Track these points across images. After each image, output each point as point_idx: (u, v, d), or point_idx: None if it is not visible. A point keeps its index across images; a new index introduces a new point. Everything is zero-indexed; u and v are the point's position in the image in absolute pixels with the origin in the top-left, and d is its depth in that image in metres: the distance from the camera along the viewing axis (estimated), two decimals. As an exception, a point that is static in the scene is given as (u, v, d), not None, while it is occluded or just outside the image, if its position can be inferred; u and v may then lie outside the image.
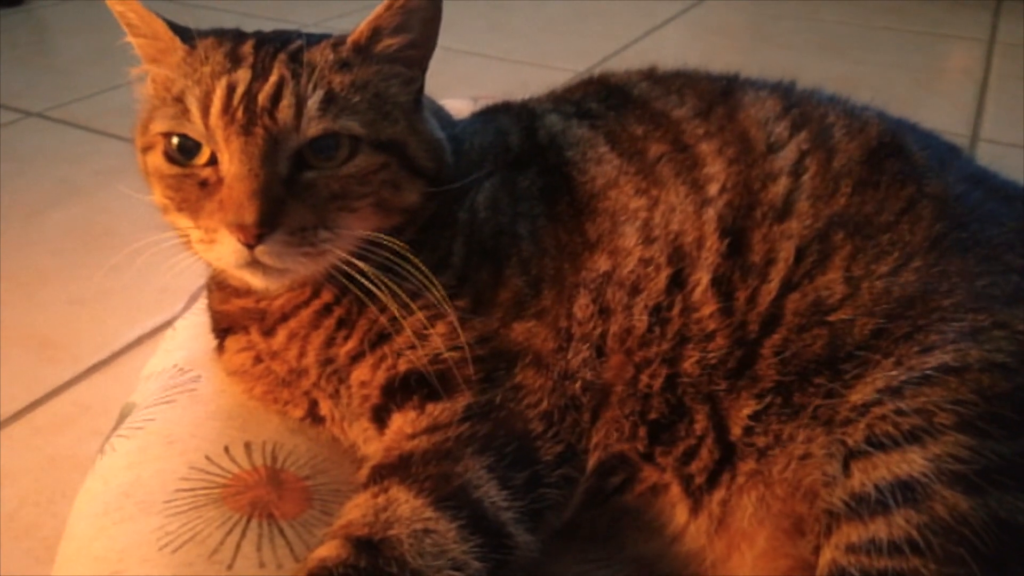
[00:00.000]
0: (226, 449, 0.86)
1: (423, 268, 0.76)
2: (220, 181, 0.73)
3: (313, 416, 0.89)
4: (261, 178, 0.71)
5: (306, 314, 0.83)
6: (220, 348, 0.93)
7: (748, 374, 0.76)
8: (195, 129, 0.74)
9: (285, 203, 0.72)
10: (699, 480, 0.77)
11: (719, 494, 0.76)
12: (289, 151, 0.74)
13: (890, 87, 2.41)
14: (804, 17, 3.15)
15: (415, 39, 0.79)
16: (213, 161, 0.75)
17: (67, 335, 1.45)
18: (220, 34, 0.81)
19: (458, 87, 1.98)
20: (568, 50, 2.77)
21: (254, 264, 0.73)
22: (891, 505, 0.64)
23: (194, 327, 1.07)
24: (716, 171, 0.84)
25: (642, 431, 0.78)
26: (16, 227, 1.76)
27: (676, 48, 2.89)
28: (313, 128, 0.74)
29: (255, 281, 0.78)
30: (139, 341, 1.43)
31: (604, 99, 0.94)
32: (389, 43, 0.79)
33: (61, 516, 1.11)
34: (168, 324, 1.46)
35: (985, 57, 2.71)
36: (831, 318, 0.75)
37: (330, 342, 0.83)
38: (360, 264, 0.75)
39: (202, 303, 1.10)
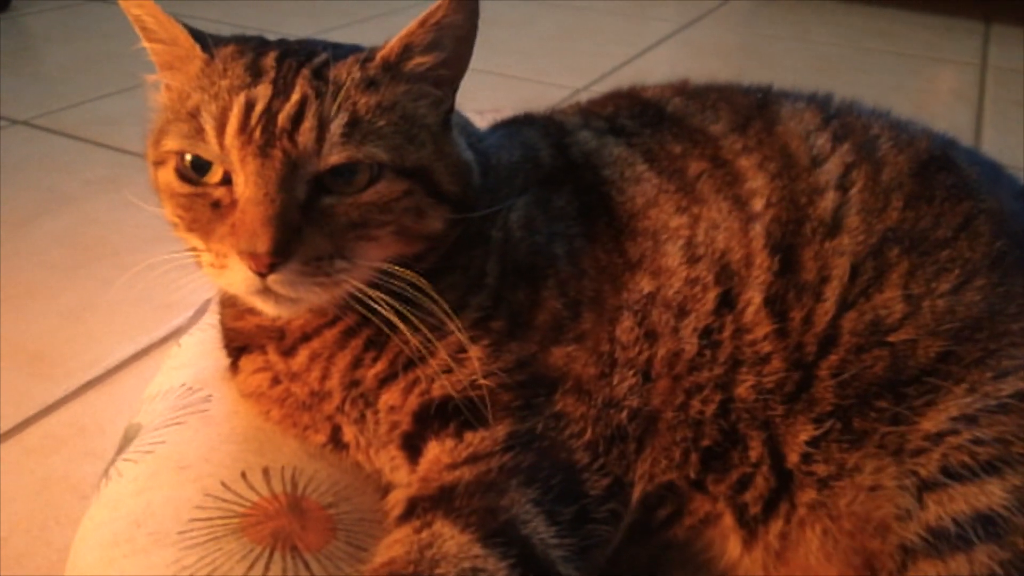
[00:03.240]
0: (243, 475, 0.81)
1: (441, 302, 0.72)
2: (234, 203, 0.69)
3: (336, 442, 0.84)
4: (277, 204, 0.66)
5: (331, 334, 0.79)
6: (234, 368, 0.88)
7: (804, 397, 0.73)
8: (209, 150, 0.70)
9: (301, 231, 0.67)
10: (754, 510, 0.73)
11: (776, 525, 0.73)
12: (307, 176, 0.69)
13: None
14: (797, 38, 3.18)
15: (448, 58, 0.75)
16: (228, 180, 0.70)
17: (59, 350, 1.39)
18: (241, 42, 0.77)
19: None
20: (563, 67, 2.76)
21: (266, 292, 0.69)
22: (973, 540, 0.61)
23: (202, 343, 1.03)
24: (759, 186, 0.81)
25: (694, 457, 0.75)
26: (3, 237, 1.70)
27: (670, 67, 2.89)
28: (335, 156, 0.69)
29: (266, 308, 0.73)
30: (136, 357, 1.37)
31: (638, 116, 0.91)
32: (421, 61, 0.74)
33: (55, 544, 1.06)
34: (166, 340, 1.42)
35: (979, 81, 2.73)
36: (891, 338, 0.73)
37: (357, 363, 0.78)
38: (375, 293, 0.71)
39: (210, 318, 1.06)
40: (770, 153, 0.83)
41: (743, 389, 0.74)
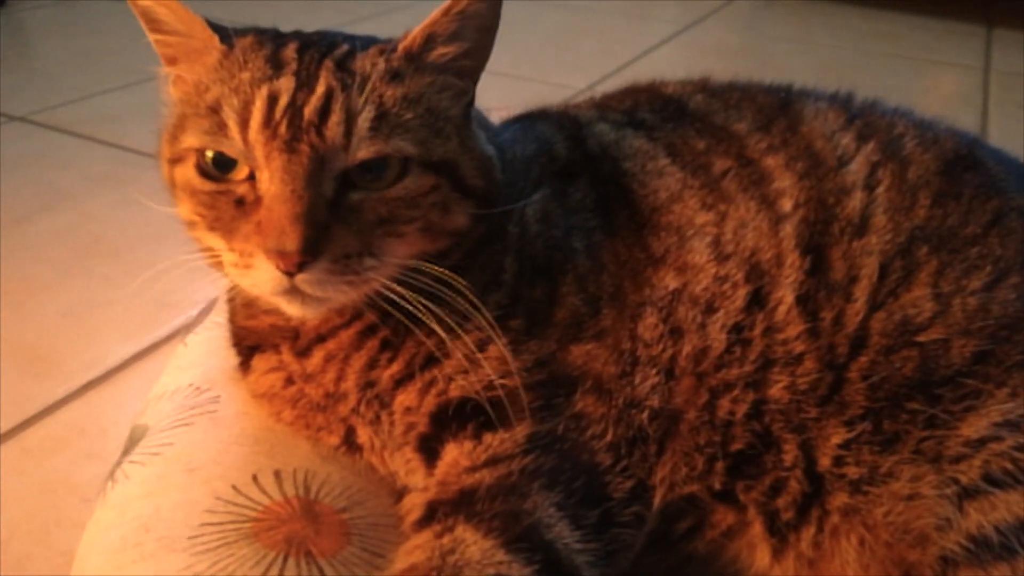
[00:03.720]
0: (254, 478, 0.79)
1: (470, 296, 0.70)
2: (258, 200, 0.67)
3: (349, 444, 0.82)
4: (305, 201, 0.64)
5: (346, 335, 0.77)
6: (245, 367, 0.86)
7: (836, 399, 0.72)
8: (232, 146, 0.67)
9: (329, 228, 0.65)
10: (786, 515, 0.72)
11: (809, 532, 0.71)
12: (335, 171, 0.67)
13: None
14: (799, 40, 3.17)
15: (470, 48, 0.73)
16: (252, 176, 0.68)
17: (58, 350, 1.36)
18: (259, 33, 0.75)
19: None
20: (566, 67, 2.74)
21: (292, 292, 0.67)
22: (1016, 549, 0.60)
23: (209, 342, 1.00)
24: (786, 186, 0.80)
25: (720, 465, 0.73)
26: (2, 235, 1.67)
27: (673, 68, 2.86)
28: (364, 150, 0.67)
29: (291, 309, 0.71)
30: (138, 357, 1.35)
31: (659, 110, 0.90)
32: (444, 52, 0.72)
33: (56, 547, 1.03)
34: (169, 339, 1.40)
35: (982, 85, 2.73)
36: (921, 338, 0.72)
37: (372, 364, 0.76)
38: (401, 290, 0.69)
39: (217, 316, 1.04)
40: (796, 153, 0.82)
41: (777, 390, 0.73)
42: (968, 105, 2.53)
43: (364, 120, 0.67)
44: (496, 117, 1.01)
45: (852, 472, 0.71)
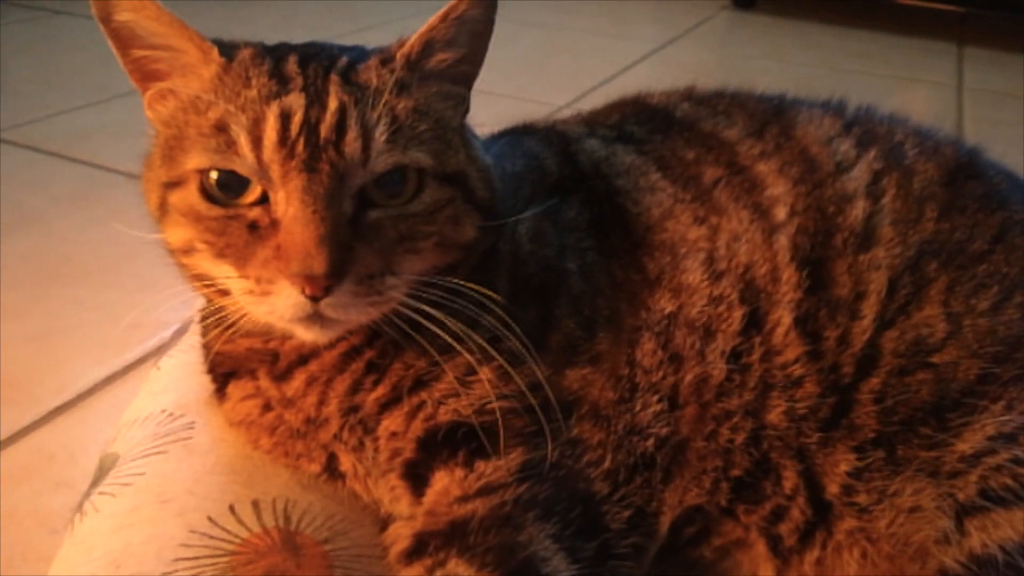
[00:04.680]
0: (231, 508, 0.75)
1: (498, 312, 0.68)
2: (273, 224, 0.63)
3: (331, 471, 0.78)
4: (328, 221, 0.61)
5: (330, 356, 0.74)
6: (221, 395, 0.82)
7: (844, 424, 0.70)
8: (244, 164, 0.64)
9: (352, 248, 0.63)
10: (789, 541, 0.70)
11: (813, 554, 0.69)
12: (354, 188, 0.65)
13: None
14: (774, 58, 3.20)
15: (466, 54, 0.72)
16: (262, 199, 0.65)
17: (25, 374, 1.31)
18: (253, 46, 0.71)
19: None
20: (544, 85, 2.74)
21: (313, 317, 0.64)
22: None
23: (183, 366, 0.96)
24: (780, 192, 0.77)
25: (724, 486, 0.71)
26: (-34, 255, 1.62)
27: (651, 85, 2.88)
28: (382, 163, 0.65)
29: (308, 335, 0.68)
30: (108, 381, 1.30)
31: (646, 122, 0.88)
32: (443, 58, 0.71)
33: (22, 583, 0.99)
34: (141, 362, 1.35)
35: (956, 102, 2.76)
36: (935, 359, 0.70)
37: (356, 387, 0.73)
38: (422, 307, 0.67)
39: (191, 339, 1.00)
40: (790, 158, 0.80)
41: (774, 415, 0.70)
42: (943, 122, 2.55)
43: (380, 134, 0.65)
44: (480, 134, 0.99)
45: (863, 499, 0.69)
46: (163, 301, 0.74)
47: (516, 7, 3.59)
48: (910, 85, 2.99)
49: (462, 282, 0.68)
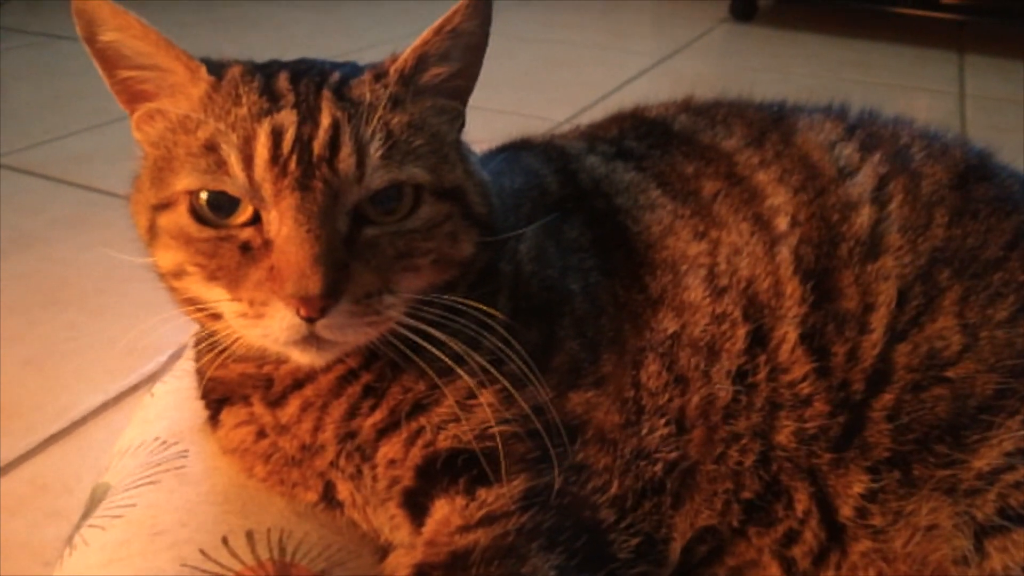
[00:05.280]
0: (224, 540, 0.73)
1: (500, 331, 0.66)
2: (266, 244, 0.62)
3: (328, 500, 0.76)
4: (323, 240, 0.60)
5: (326, 380, 0.71)
6: (214, 422, 0.80)
7: (856, 443, 0.67)
8: (235, 185, 0.62)
9: (348, 267, 0.61)
10: (803, 564, 0.67)
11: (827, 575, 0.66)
12: (348, 206, 0.63)
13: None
14: (775, 70, 3.19)
15: (461, 68, 0.70)
16: (254, 219, 0.63)
17: (19, 401, 1.29)
18: (242, 63, 0.70)
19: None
20: (544, 100, 2.73)
21: (308, 340, 0.62)
22: None
23: (176, 392, 0.94)
24: (780, 202, 0.75)
25: (735, 508, 0.68)
26: (-37, 281, 1.61)
27: (652, 99, 2.88)
28: (378, 179, 0.63)
29: (304, 358, 0.66)
30: (104, 408, 1.28)
31: (644, 136, 0.86)
32: (437, 72, 0.69)
33: (14, 619, 0.96)
34: (137, 388, 1.33)
35: (959, 109, 2.75)
36: (950, 373, 0.67)
37: (353, 412, 0.71)
38: (421, 326, 0.65)
39: (185, 364, 0.98)
40: (790, 166, 0.77)
41: (783, 436, 0.68)
42: (947, 130, 2.54)
43: (375, 150, 0.63)
44: (477, 151, 0.97)
45: (878, 521, 0.66)
46: (159, 324, 0.72)
47: (514, 23, 3.60)
48: (912, 93, 2.97)
49: (461, 300, 0.66)
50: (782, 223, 0.74)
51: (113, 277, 1.60)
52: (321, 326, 0.61)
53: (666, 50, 3.37)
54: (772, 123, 0.83)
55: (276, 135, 0.62)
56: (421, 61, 0.68)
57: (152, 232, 0.68)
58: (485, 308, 0.66)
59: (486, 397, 0.67)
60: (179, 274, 0.67)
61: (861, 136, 0.80)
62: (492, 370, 0.66)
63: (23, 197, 1.98)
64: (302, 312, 0.60)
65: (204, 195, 0.63)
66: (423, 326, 0.65)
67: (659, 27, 3.83)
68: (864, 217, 0.73)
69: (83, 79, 2.84)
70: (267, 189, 0.61)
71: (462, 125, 0.74)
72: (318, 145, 0.62)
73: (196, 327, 0.81)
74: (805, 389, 0.68)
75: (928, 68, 3.21)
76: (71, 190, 2.02)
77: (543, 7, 3.97)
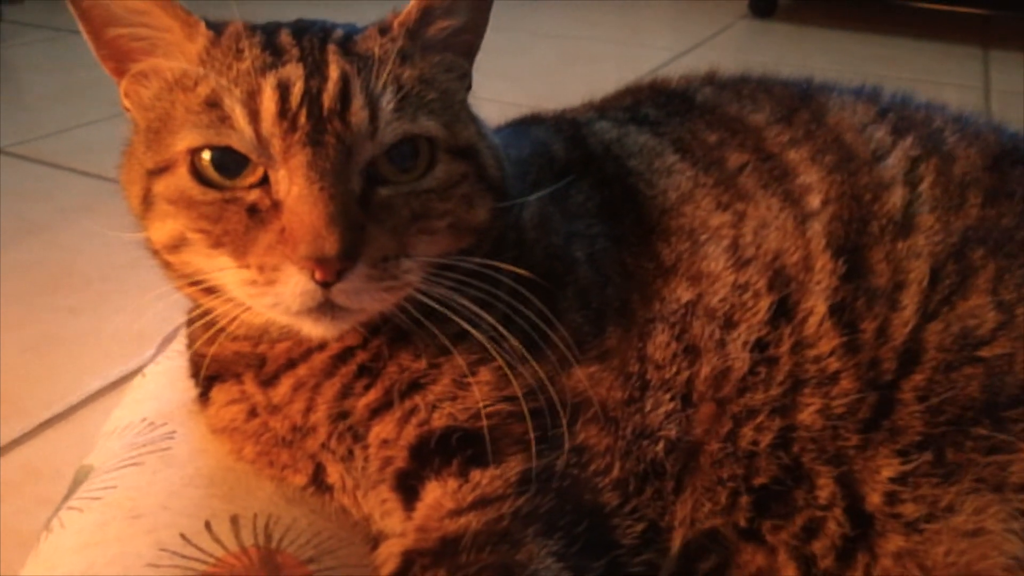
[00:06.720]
0: (207, 525, 0.69)
1: (510, 285, 0.63)
2: (275, 206, 0.58)
3: (318, 483, 0.72)
4: (337, 199, 0.56)
5: (320, 359, 0.67)
6: (204, 399, 0.76)
7: (886, 425, 0.62)
8: (242, 140, 0.58)
9: (364, 228, 0.57)
10: (824, 563, 0.62)
11: None
12: (362, 163, 0.60)
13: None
14: (797, 65, 3.10)
15: (467, 22, 0.67)
16: (262, 181, 0.59)
17: (16, 387, 1.26)
18: (241, 22, 0.66)
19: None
20: (560, 94, 2.66)
21: (323, 307, 0.58)
22: None
23: (168, 373, 0.91)
24: (813, 180, 0.72)
25: (744, 500, 0.63)
26: (-32, 267, 1.59)
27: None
28: (392, 133, 0.60)
29: (316, 329, 0.62)
30: (101, 393, 1.25)
31: (663, 105, 0.82)
32: (443, 25, 0.66)
33: (-2, 605, 0.93)
34: (132, 375, 1.30)
35: (984, 104, 2.68)
36: (984, 353, 0.63)
37: (346, 392, 0.67)
38: (441, 292, 0.61)
39: (178, 345, 0.94)
40: (823, 146, 0.74)
41: (807, 415, 0.63)
42: (980, 115, 2.48)
43: (388, 102, 0.60)
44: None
45: (909, 511, 0.61)
46: (153, 302, 0.68)
47: (532, 18, 3.56)
48: (937, 89, 2.90)
49: (483, 260, 0.63)
50: (814, 201, 0.71)
51: (116, 264, 1.57)
52: (337, 291, 0.57)
53: (684, 46, 3.32)
54: (800, 101, 0.81)
55: (283, 88, 0.58)
56: (426, 14, 0.65)
57: (147, 202, 0.64)
58: (500, 265, 0.63)
59: (484, 375, 0.63)
60: (178, 245, 0.63)
61: (893, 119, 0.77)
62: (490, 347, 0.62)
63: (32, 185, 1.97)
64: (317, 276, 0.56)
65: (207, 155, 0.59)
66: (441, 291, 0.61)
67: (677, 23, 3.78)
68: (897, 197, 0.71)
69: (97, 71, 2.84)
70: (276, 145, 0.58)
71: (469, 86, 0.70)
72: (328, 98, 0.59)
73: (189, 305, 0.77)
74: (832, 365, 0.64)
75: (952, 63, 3.14)
76: (79, 178, 2.00)
77: (561, 3, 3.93)
